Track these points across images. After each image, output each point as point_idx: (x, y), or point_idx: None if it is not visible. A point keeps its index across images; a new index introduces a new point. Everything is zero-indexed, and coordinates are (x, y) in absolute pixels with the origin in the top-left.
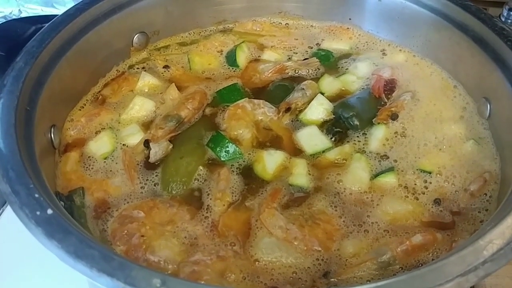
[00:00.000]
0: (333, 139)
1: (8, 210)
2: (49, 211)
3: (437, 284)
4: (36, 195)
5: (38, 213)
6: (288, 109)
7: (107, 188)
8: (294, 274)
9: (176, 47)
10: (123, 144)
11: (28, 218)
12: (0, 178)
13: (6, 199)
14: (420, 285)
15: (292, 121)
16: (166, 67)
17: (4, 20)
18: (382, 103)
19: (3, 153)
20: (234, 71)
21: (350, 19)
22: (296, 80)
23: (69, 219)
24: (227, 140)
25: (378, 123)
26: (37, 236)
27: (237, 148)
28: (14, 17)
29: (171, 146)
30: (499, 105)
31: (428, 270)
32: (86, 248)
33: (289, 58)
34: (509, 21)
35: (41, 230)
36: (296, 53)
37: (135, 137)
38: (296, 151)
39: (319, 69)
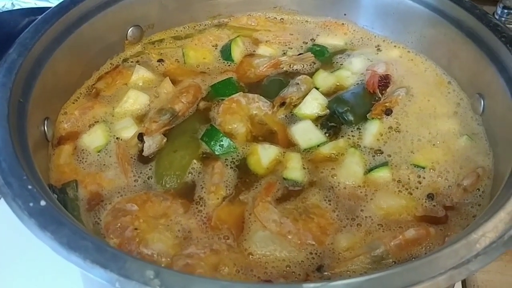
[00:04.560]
0: (327, 133)
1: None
2: (42, 203)
3: (430, 277)
4: (29, 187)
5: (31, 204)
6: (282, 104)
7: (100, 181)
8: (287, 268)
9: (171, 41)
10: (117, 138)
11: (21, 209)
12: None
13: None
14: (413, 278)
15: (286, 115)
16: (160, 60)
17: None
18: (377, 98)
19: None
20: (229, 65)
21: (345, 14)
22: (291, 75)
23: (62, 211)
24: (221, 134)
25: (372, 118)
26: (30, 227)
27: (231, 142)
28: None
29: (165, 140)
30: (492, 101)
31: (421, 263)
32: (80, 240)
33: (284, 53)
34: (503, 19)
35: (34, 222)
36: (291, 48)
37: (129, 131)
38: (290, 146)
39: (314, 63)
